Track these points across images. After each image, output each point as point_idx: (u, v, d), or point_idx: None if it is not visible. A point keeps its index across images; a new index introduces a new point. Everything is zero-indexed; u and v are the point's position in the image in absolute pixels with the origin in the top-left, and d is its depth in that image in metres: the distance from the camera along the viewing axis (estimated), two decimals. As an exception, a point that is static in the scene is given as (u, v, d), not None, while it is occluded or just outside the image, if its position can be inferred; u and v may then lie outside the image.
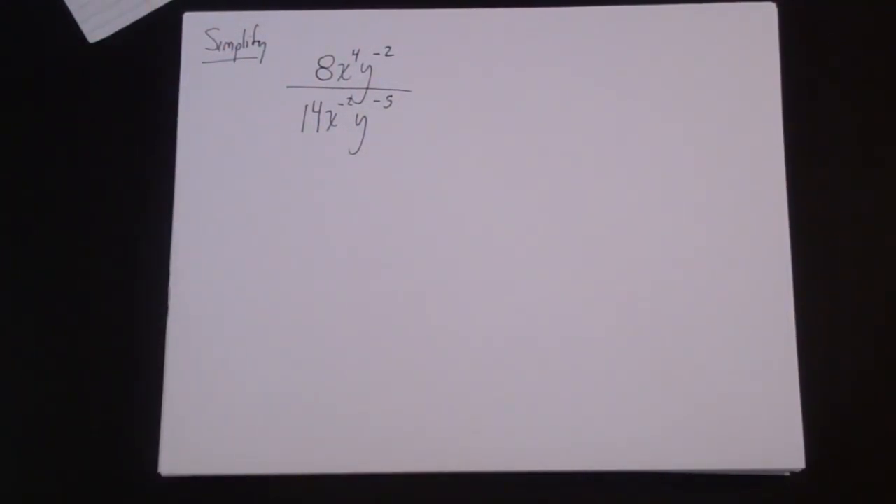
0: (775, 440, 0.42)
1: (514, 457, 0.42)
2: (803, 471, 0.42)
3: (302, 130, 0.45)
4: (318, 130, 0.45)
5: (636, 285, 0.43)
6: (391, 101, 0.45)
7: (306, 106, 0.45)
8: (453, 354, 0.43)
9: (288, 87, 0.46)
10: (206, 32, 0.46)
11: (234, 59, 0.46)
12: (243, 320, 0.43)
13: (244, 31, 0.45)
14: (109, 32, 0.48)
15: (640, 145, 0.45)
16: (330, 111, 0.45)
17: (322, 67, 0.46)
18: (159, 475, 0.42)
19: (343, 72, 0.46)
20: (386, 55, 0.46)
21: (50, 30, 0.48)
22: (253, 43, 0.46)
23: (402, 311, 0.43)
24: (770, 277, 0.43)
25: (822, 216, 0.46)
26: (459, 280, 0.43)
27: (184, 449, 0.42)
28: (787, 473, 0.43)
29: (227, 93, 0.45)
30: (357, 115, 0.45)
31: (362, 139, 0.45)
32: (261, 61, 0.46)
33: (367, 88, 0.46)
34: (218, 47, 0.46)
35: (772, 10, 0.46)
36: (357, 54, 0.46)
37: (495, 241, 0.44)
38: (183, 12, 0.46)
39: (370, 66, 0.46)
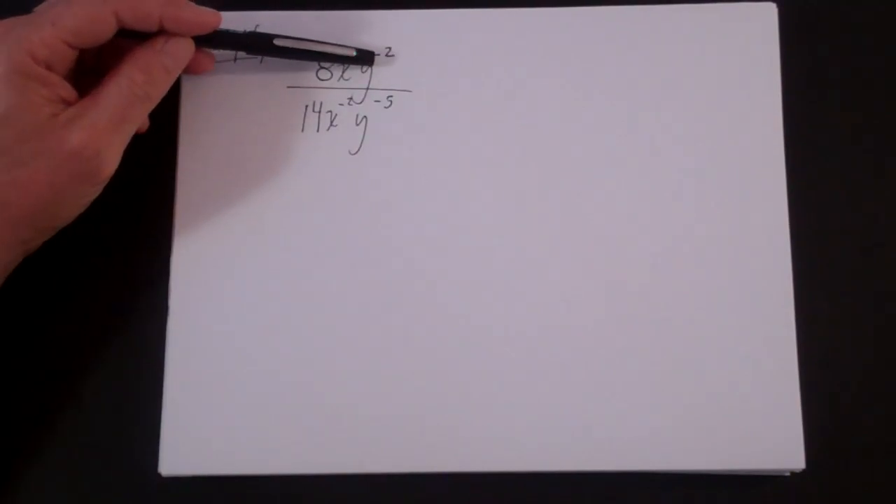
0: (775, 440, 0.42)
1: (514, 457, 0.42)
2: (803, 471, 0.42)
3: (302, 130, 0.45)
4: (318, 131, 0.45)
5: (636, 286, 0.43)
6: (391, 102, 0.45)
7: (307, 106, 0.45)
8: (453, 355, 0.43)
9: (288, 87, 0.46)
10: (206, 32, 0.46)
11: (235, 60, 0.46)
12: (243, 320, 0.43)
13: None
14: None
15: (640, 145, 0.45)
16: (330, 111, 0.45)
17: (322, 67, 0.46)
18: (159, 475, 0.42)
19: (343, 72, 0.46)
20: (386, 55, 0.46)
21: (50, 30, 0.48)
22: (253, 43, 0.46)
23: (403, 312, 0.43)
24: (770, 277, 0.43)
25: (822, 216, 0.46)
26: (460, 280, 0.43)
27: (184, 449, 0.42)
28: (788, 473, 0.43)
29: (227, 93, 0.45)
30: (357, 116, 0.45)
31: (362, 139, 0.45)
32: (261, 61, 0.46)
33: (368, 89, 0.46)
34: (218, 47, 0.46)
35: (772, 10, 0.46)
36: (357, 54, 0.46)
37: (495, 241, 0.44)
38: (183, 12, 0.46)
39: (370, 66, 0.46)
